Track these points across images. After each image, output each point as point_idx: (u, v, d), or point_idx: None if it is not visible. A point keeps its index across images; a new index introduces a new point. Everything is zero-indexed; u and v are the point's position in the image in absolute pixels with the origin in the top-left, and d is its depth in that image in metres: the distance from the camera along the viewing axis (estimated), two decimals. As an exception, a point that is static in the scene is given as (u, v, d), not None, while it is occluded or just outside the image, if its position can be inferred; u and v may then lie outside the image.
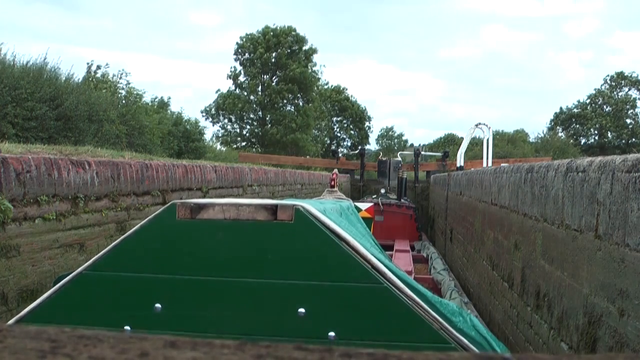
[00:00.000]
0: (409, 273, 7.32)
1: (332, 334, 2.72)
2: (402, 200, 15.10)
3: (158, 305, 2.82)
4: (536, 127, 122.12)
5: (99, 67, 19.85)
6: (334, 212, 3.42)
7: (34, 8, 74.58)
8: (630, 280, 2.52)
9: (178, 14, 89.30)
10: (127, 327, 2.82)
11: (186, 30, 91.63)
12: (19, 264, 4.31)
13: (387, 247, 9.27)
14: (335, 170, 8.68)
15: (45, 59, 14.57)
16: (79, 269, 3.00)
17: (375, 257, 2.88)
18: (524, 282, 4.54)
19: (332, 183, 7.18)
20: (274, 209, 2.83)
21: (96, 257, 2.99)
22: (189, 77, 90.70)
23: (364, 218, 5.48)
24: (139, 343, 0.54)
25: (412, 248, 12.21)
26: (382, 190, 16.97)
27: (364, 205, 9.57)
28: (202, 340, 0.55)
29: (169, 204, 2.97)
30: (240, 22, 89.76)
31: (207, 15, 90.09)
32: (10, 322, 3.02)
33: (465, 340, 2.76)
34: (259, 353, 0.53)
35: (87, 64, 20.03)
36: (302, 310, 2.74)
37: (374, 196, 15.93)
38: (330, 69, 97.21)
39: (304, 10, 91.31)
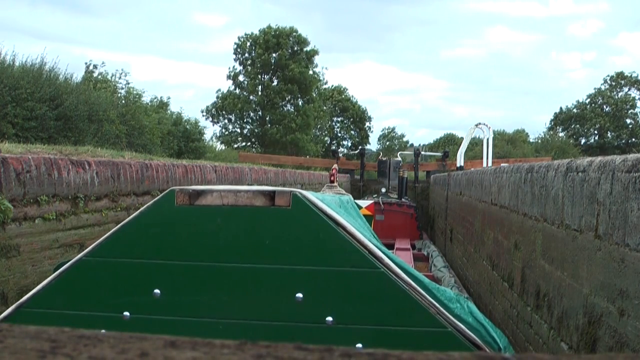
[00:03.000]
0: None
1: (329, 318, 2.71)
2: (403, 200, 15.12)
3: (157, 290, 2.82)
4: (537, 127, 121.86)
5: (95, 67, 19.86)
6: (332, 202, 3.42)
7: (39, 9, 74.51)
8: (630, 280, 2.52)
9: (183, 15, 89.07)
10: (127, 313, 2.83)
11: (191, 31, 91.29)
12: (19, 263, 4.31)
13: (387, 246, 9.24)
14: (335, 165, 8.57)
15: (44, 58, 14.58)
16: (79, 255, 3.00)
17: (372, 243, 2.88)
18: (524, 282, 4.54)
19: (332, 178, 7.07)
20: (271, 195, 2.84)
21: (96, 243, 3.00)
22: (193, 77, 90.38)
23: (364, 215, 5.47)
24: (139, 343, 0.54)
25: (413, 247, 12.21)
26: (383, 190, 16.97)
27: (364, 203, 9.55)
28: (202, 340, 0.55)
29: (167, 190, 2.97)
30: (245, 23, 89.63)
31: (212, 16, 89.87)
32: (11, 308, 3.02)
33: (462, 326, 2.75)
34: (259, 353, 0.53)
35: (85, 63, 20.08)
36: (299, 295, 2.74)
37: (374, 195, 15.95)
38: (334, 69, 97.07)
39: (308, 11, 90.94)
